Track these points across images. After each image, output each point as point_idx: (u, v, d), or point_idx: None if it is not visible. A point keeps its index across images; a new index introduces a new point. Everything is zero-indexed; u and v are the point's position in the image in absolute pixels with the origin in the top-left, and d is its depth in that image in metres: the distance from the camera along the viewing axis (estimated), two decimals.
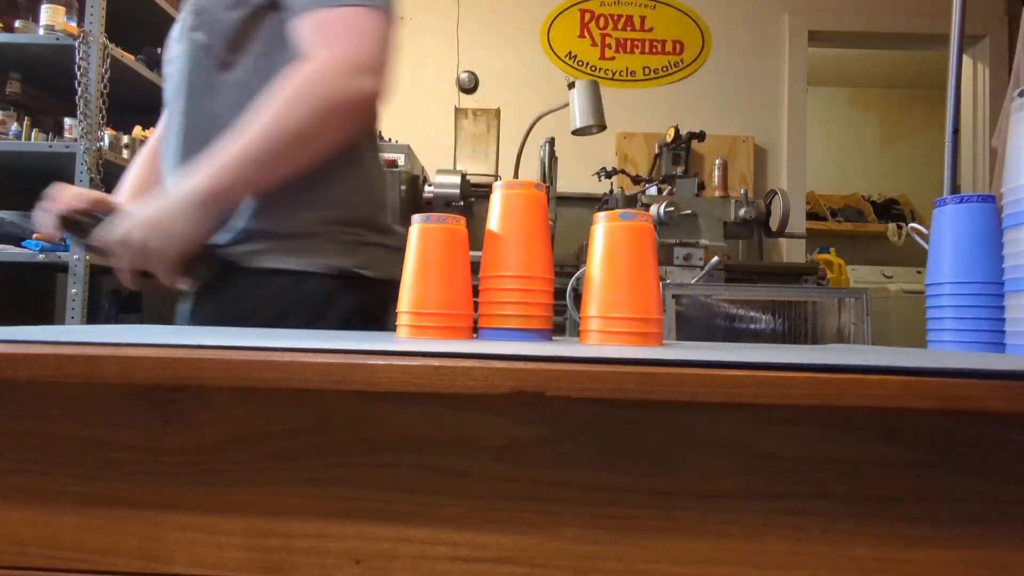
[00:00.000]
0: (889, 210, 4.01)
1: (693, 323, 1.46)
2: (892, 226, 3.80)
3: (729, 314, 1.46)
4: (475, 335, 0.68)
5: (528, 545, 0.43)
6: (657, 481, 0.43)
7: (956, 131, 1.10)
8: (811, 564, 0.43)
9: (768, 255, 2.80)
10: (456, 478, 0.44)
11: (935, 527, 0.43)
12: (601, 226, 0.64)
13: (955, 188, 1.11)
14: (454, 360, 0.41)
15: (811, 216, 3.74)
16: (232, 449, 0.44)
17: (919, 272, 3.57)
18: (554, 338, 0.70)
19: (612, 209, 1.08)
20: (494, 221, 0.67)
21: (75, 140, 1.91)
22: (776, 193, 2.04)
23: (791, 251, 2.88)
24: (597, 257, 0.64)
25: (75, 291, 1.84)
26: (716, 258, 1.54)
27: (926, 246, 0.82)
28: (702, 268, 1.67)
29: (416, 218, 0.67)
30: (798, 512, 0.43)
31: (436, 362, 0.40)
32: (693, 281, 1.58)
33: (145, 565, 0.44)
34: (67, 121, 2.03)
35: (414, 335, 0.65)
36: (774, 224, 2.05)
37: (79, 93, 1.87)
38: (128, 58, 2.05)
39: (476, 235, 0.79)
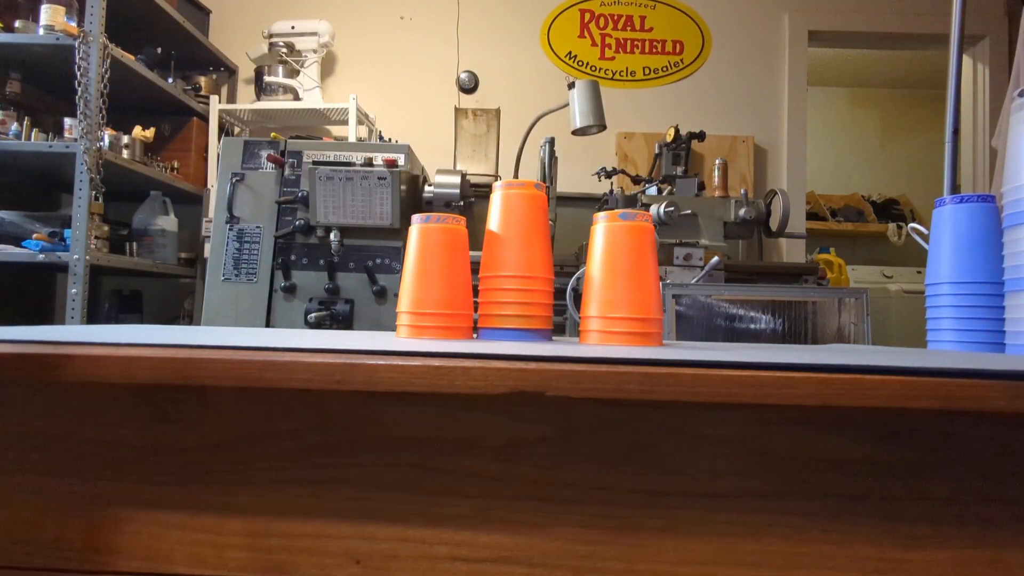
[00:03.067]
0: (889, 210, 4.01)
1: (693, 323, 1.46)
2: (892, 226, 3.80)
3: (729, 314, 1.46)
4: (475, 335, 0.68)
5: (527, 545, 0.43)
6: (657, 481, 0.43)
7: (956, 131, 1.10)
8: (811, 564, 0.43)
9: (768, 255, 2.80)
10: (456, 478, 0.44)
11: (935, 527, 0.43)
12: (601, 226, 0.64)
13: (955, 188, 1.11)
14: (454, 360, 0.41)
15: (811, 216, 3.74)
16: (232, 449, 0.44)
17: (919, 272, 3.57)
18: (554, 338, 0.70)
19: (612, 209, 1.07)
20: (494, 221, 0.67)
21: (75, 140, 1.91)
22: (776, 193, 2.04)
23: (791, 251, 2.88)
24: (597, 257, 0.64)
25: (75, 291, 1.84)
26: (716, 258, 1.54)
27: (926, 246, 0.82)
28: (702, 268, 1.66)
29: (416, 218, 0.67)
30: (798, 512, 0.43)
31: (436, 362, 0.40)
32: (693, 281, 1.58)
33: (145, 565, 0.44)
34: (67, 121, 2.03)
35: (414, 335, 0.65)
36: (774, 224, 2.05)
37: (79, 93, 1.87)
38: (128, 58, 2.05)
39: (476, 235, 0.79)
